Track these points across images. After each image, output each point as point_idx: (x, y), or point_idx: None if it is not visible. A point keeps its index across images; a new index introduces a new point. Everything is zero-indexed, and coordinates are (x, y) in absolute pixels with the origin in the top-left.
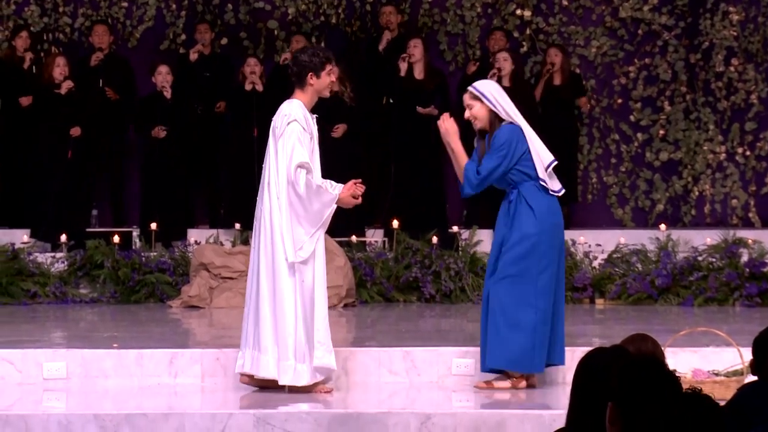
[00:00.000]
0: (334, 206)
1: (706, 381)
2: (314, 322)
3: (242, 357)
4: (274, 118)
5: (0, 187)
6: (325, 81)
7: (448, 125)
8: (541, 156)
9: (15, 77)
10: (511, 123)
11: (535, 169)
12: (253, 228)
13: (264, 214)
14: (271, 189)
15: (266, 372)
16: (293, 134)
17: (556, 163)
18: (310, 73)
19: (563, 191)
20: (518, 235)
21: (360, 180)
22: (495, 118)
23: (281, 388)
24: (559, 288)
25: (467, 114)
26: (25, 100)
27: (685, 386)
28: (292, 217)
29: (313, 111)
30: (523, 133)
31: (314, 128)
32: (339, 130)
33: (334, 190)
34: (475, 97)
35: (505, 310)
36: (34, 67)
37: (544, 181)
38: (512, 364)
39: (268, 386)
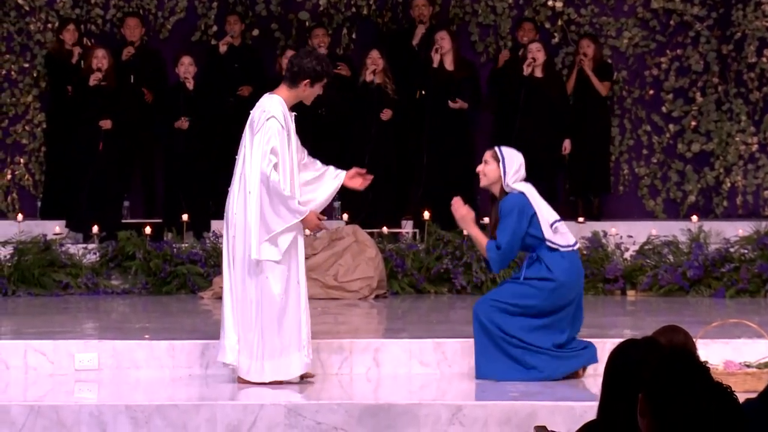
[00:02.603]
0: (298, 217)
1: (737, 372)
2: (285, 321)
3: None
4: (252, 111)
5: (44, 180)
6: (315, 92)
7: (463, 212)
8: (546, 216)
9: (63, 71)
10: (513, 192)
11: (543, 231)
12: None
13: (234, 207)
14: (242, 182)
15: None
16: (271, 131)
17: (560, 221)
18: (308, 80)
19: (577, 244)
20: (532, 286)
21: (365, 171)
22: (501, 186)
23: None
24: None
25: (480, 167)
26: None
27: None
28: (261, 215)
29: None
30: (527, 198)
31: (292, 125)
32: (387, 113)
33: (336, 177)
34: (496, 158)
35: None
36: (82, 61)
37: (551, 241)
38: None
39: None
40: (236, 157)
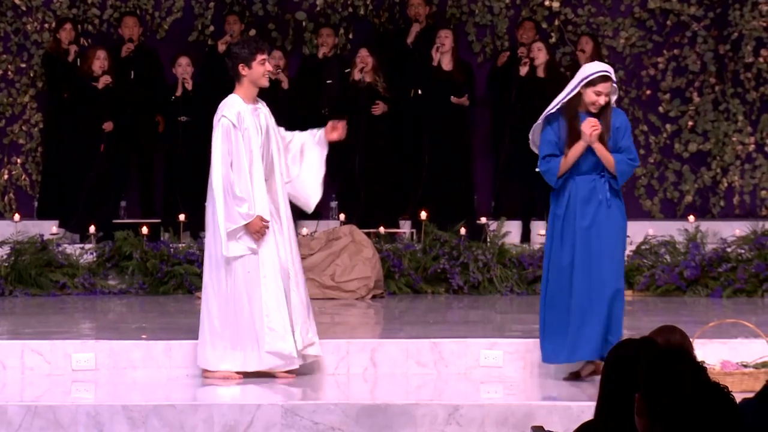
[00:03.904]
0: (243, 221)
1: (735, 372)
2: (263, 309)
3: None
4: None
5: (39, 180)
6: (258, 70)
7: (600, 129)
8: None
9: (60, 70)
10: (617, 109)
11: None
12: None
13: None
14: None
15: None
16: (221, 129)
17: None
18: (241, 65)
19: None
20: (618, 227)
21: (344, 121)
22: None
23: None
24: None
25: (602, 99)
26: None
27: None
28: (223, 212)
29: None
30: None
31: (254, 120)
32: (378, 107)
33: (315, 136)
34: (613, 86)
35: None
36: (78, 60)
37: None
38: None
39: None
40: None
